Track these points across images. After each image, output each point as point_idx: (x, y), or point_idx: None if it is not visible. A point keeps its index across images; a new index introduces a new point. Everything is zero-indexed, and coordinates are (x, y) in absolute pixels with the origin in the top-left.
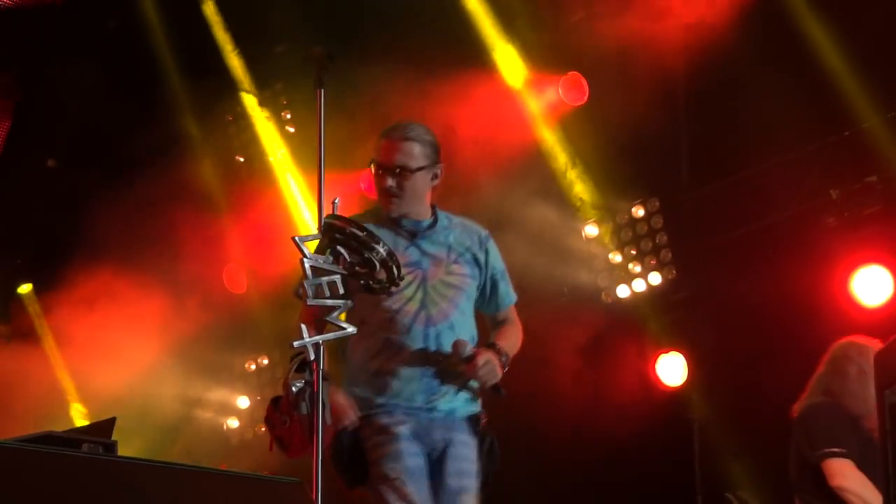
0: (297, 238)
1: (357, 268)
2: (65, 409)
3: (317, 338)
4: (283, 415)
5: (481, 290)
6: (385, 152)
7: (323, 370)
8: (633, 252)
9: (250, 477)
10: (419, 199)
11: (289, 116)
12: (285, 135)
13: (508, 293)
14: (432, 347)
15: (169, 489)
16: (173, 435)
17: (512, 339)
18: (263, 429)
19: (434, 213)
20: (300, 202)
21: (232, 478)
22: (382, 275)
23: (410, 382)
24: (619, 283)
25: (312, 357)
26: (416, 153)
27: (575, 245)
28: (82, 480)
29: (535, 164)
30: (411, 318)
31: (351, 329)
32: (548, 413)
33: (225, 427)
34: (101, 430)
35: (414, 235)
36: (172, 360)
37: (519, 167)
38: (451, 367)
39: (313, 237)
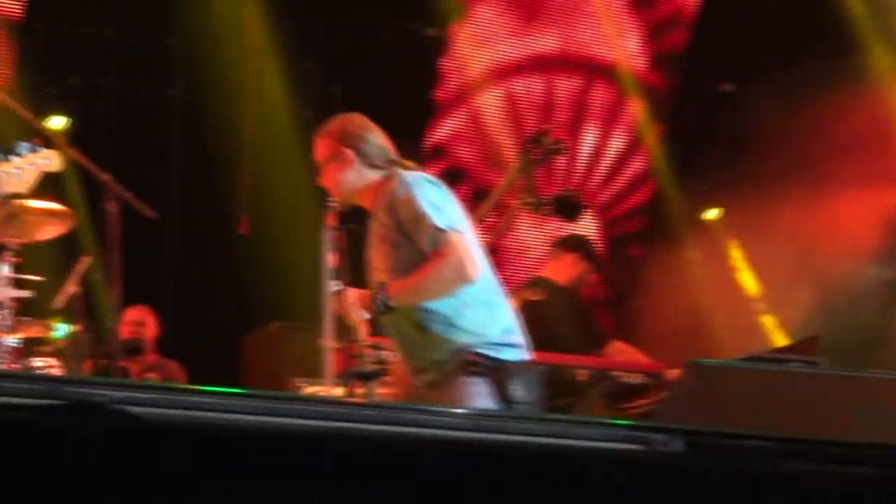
0: None
1: None
2: (761, 330)
3: None
4: None
5: (411, 242)
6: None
7: None
8: None
9: None
10: (348, 190)
11: None
12: None
13: (423, 240)
14: None
15: None
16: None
17: (409, 282)
18: None
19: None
20: None
21: None
22: None
23: None
24: None
25: None
26: (318, 150)
27: None
28: (791, 395)
29: None
30: None
31: None
32: None
33: None
34: (805, 348)
35: None
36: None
37: None
38: None
39: None
